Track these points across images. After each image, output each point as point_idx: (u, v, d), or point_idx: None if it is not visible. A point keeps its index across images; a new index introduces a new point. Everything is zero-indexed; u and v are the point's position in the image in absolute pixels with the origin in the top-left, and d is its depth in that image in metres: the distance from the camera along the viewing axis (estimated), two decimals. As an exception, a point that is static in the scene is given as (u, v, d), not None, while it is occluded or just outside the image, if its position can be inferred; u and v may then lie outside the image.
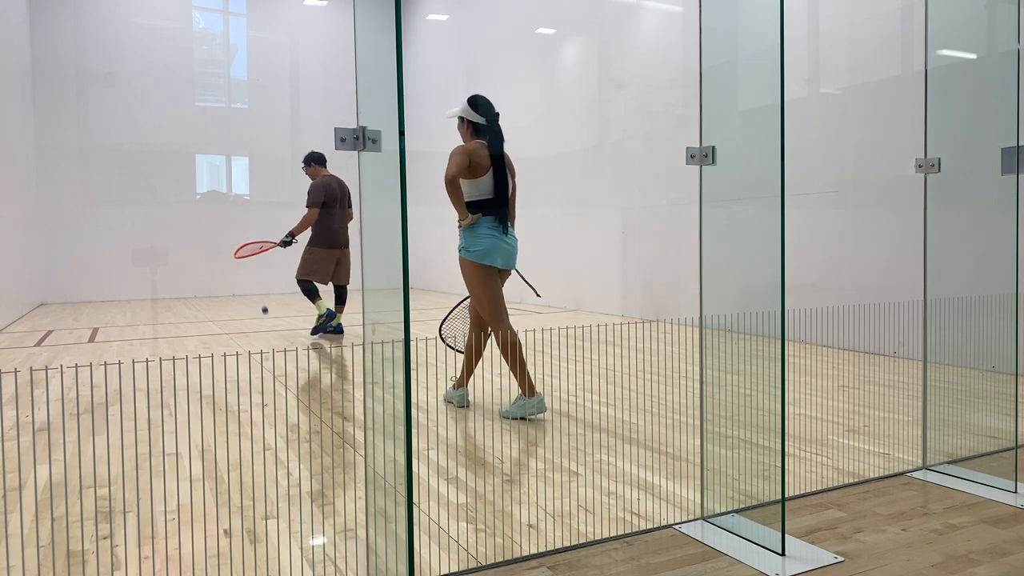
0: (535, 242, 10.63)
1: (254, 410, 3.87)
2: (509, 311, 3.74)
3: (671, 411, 3.74)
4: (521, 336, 6.41)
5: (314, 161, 7.10)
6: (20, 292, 9.50)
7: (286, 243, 6.99)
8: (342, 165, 13.32)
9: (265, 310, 7.26)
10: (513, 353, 3.60)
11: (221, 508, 2.48)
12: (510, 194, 3.74)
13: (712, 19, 2.29)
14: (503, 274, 3.77)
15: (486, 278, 3.66)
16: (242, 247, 7.22)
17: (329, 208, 6.86)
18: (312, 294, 6.88)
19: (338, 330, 6.96)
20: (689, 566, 2.00)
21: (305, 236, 7.00)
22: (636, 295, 8.20)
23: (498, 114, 3.78)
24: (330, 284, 7.07)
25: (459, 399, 3.88)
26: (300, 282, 6.92)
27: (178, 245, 10.63)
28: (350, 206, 7.11)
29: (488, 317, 3.70)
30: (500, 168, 3.67)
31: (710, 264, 2.77)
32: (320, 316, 6.90)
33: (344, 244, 6.98)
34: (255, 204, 13.06)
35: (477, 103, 3.72)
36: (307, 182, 7.15)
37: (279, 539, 2.22)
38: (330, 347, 6.41)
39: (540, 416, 3.64)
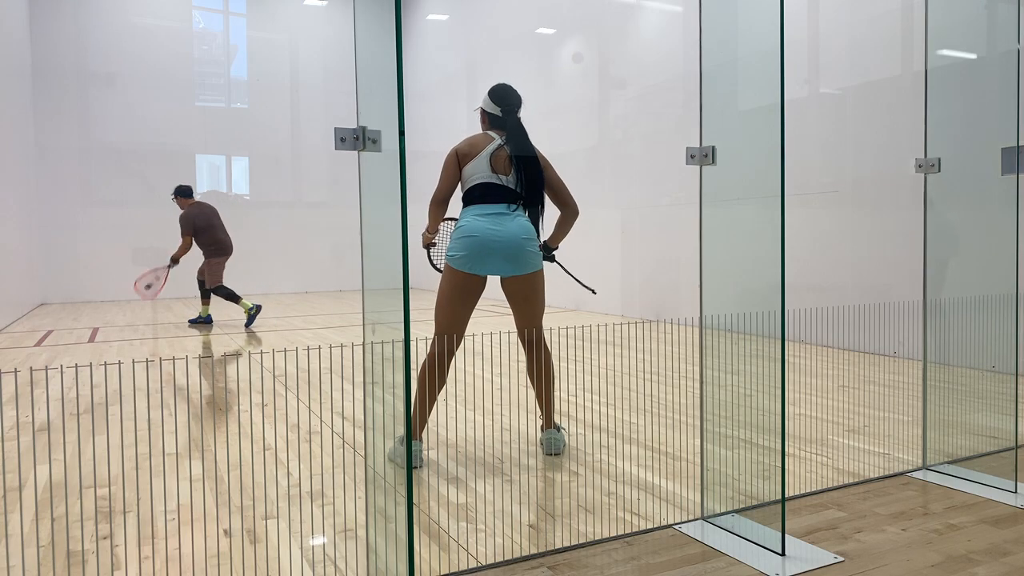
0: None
1: (254, 410, 3.87)
2: (508, 310, 3.17)
3: (671, 411, 3.74)
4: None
5: (179, 195, 8.13)
6: (20, 292, 9.50)
7: (173, 264, 8.01)
8: (342, 165, 13.29)
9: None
10: (420, 379, 3.01)
11: (221, 508, 2.48)
12: (523, 188, 3.07)
13: (712, 19, 2.30)
14: (507, 283, 3.08)
15: (447, 283, 3.08)
16: (139, 281, 7.91)
17: (205, 229, 7.99)
18: (233, 296, 7.96)
19: (208, 320, 8.23)
20: (689, 566, 2.00)
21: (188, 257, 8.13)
22: (636, 295, 8.20)
23: (517, 103, 3.24)
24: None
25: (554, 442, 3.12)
26: (218, 289, 8.02)
27: (178, 245, 10.65)
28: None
29: (436, 326, 3.10)
30: (524, 160, 3.10)
31: (710, 264, 2.78)
32: (250, 310, 7.90)
33: (226, 254, 8.19)
34: (255, 204, 13.07)
35: (494, 92, 3.22)
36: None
37: (279, 539, 2.22)
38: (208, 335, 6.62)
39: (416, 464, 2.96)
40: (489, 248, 2.99)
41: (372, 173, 1.92)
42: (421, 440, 3.03)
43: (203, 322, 8.18)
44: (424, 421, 3.00)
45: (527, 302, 3.12)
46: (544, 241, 3.24)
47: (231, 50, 13.15)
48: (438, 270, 3.29)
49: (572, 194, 3.24)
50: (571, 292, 9.54)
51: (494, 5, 11.33)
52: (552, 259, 3.35)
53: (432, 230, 3.21)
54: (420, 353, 3.11)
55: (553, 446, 3.08)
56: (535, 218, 3.16)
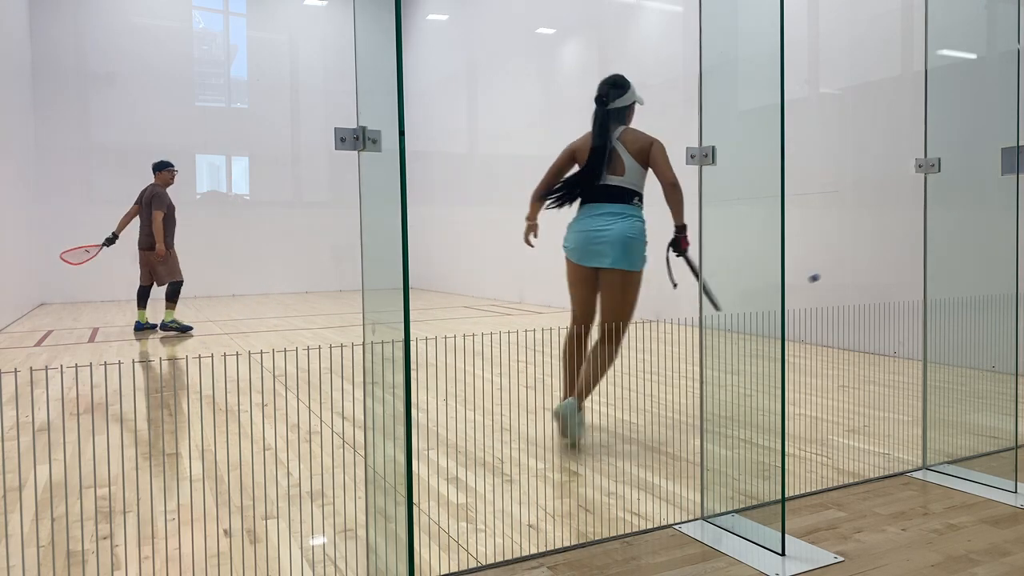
0: (537, 242, 10.64)
1: (254, 410, 3.87)
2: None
3: (671, 411, 3.74)
4: (521, 336, 6.44)
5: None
6: (20, 292, 9.50)
7: (110, 242, 7.56)
8: (342, 165, 13.28)
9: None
10: (565, 354, 3.40)
11: (221, 508, 2.48)
12: (615, 182, 3.26)
13: (712, 19, 2.30)
14: (602, 273, 3.26)
15: (567, 273, 3.37)
16: (68, 252, 7.63)
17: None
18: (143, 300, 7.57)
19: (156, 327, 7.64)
20: (689, 566, 2.00)
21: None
22: (636, 295, 8.18)
23: (605, 93, 3.42)
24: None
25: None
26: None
27: (178, 245, 10.68)
28: (157, 209, 7.40)
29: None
30: (592, 152, 3.32)
31: (710, 264, 2.77)
32: (142, 320, 7.49)
33: (142, 247, 7.49)
34: (255, 204, 13.07)
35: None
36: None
37: (279, 539, 2.22)
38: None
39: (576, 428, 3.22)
40: (584, 243, 3.24)
41: (372, 173, 1.92)
42: (574, 399, 3.20)
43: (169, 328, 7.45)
44: (573, 383, 3.24)
45: (611, 297, 3.26)
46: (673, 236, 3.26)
47: (231, 50, 13.15)
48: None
49: (668, 170, 3.24)
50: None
51: (494, 5, 11.32)
52: (679, 253, 3.29)
53: (530, 218, 3.46)
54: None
55: (562, 411, 3.13)
56: (630, 207, 3.25)
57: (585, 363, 3.28)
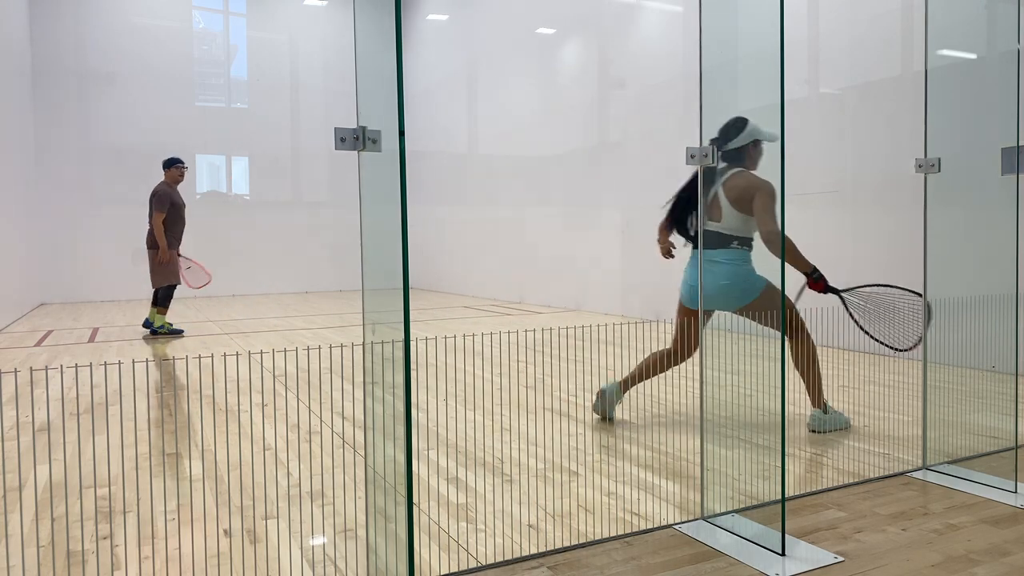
0: (536, 242, 10.65)
1: (254, 410, 3.87)
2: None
3: (671, 411, 3.74)
4: (521, 336, 6.44)
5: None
6: (20, 292, 9.50)
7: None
8: (342, 165, 13.26)
9: None
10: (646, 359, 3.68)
11: (221, 508, 2.48)
12: (701, 222, 3.12)
13: (712, 19, 2.30)
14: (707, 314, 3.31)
15: (678, 304, 3.58)
16: (189, 279, 7.52)
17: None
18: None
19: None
20: (689, 566, 2.00)
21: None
22: (636, 295, 8.19)
23: (719, 135, 2.94)
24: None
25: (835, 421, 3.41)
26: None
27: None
28: (157, 211, 7.16)
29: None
30: (678, 195, 3.47)
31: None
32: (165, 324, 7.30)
33: (149, 246, 7.27)
34: (255, 204, 13.07)
35: None
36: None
37: (279, 539, 2.22)
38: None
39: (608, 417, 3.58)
40: (691, 291, 3.44)
41: (372, 173, 1.92)
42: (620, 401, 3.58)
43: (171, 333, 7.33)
44: (633, 378, 3.58)
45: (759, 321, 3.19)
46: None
47: (231, 50, 13.15)
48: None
49: (766, 221, 3.09)
50: (571, 291, 9.55)
51: (494, 5, 11.32)
52: (822, 289, 3.33)
53: (662, 244, 3.63)
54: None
55: (815, 423, 3.32)
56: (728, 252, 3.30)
57: (796, 367, 3.42)
